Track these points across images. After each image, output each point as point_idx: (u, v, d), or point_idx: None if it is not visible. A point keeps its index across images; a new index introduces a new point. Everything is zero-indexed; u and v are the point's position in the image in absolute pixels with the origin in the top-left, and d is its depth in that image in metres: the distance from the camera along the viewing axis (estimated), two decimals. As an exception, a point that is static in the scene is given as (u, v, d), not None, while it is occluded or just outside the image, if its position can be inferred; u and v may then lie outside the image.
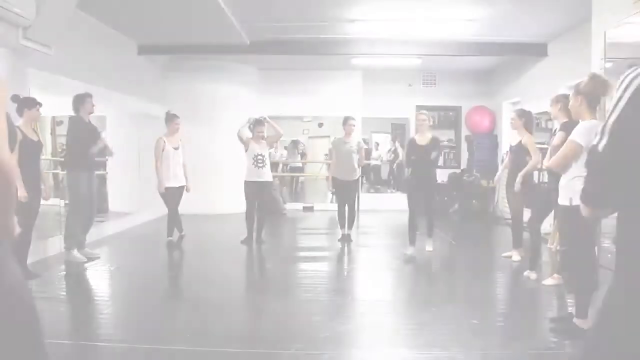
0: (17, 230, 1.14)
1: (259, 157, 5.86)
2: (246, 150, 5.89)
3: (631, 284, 1.13)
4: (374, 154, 12.24)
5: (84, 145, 4.82)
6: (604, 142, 1.15)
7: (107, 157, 6.00)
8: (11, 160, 1.06)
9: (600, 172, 1.18)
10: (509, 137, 7.71)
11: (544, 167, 4.22)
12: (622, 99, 1.12)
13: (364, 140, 11.35)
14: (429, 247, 5.49)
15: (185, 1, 5.40)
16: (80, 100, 4.85)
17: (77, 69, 5.68)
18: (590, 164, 1.20)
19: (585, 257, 2.94)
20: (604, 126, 1.16)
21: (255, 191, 5.93)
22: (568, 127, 3.62)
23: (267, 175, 5.94)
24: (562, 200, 2.97)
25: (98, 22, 6.20)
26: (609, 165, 1.15)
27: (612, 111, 1.14)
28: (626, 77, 1.14)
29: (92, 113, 4.93)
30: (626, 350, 1.12)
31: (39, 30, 4.73)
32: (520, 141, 4.83)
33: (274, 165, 10.00)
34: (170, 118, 5.66)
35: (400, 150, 11.25)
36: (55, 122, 7.80)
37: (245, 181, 5.93)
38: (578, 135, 2.86)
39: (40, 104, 4.29)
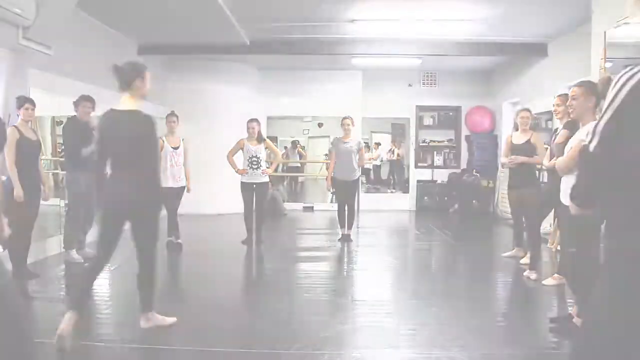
0: (8, 232, 1.12)
1: (254, 158, 5.84)
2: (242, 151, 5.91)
3: (616, 281, 1.15)
4: (373, 153, 12.24)
5: (77, 146, 4.81)
6: (595, 142, 1.14)
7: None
8: (4, 160, 1.05)
9: (590, 172, 1.18)
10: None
11: (544, 167, 4.21)
12: (616, 100, 1.10)
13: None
14: None
15: (185, 1, 5.40)
16: (77, 103, 4.86)
17: (77, 69, 5.68)
18: (581, 164, 1.20)
19: (593, 258, 2.94)
20: (596, 126, 1.15)
21: (251, 192, 5.92)
22: (571, 126, 3.63)
23: (262, 176, 5.92)
24: None
25: (98, 22, 6.20)
26: (599, 166, 1.15)
27: (605, 111, 1.13)
28: (621, 77, 1.12)
29: (86, 116, 4.88)
30: (615, 344, 1.13)
31: (39, 30, 4.73)
32: (529, 140, 4.72)
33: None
34: (166, 116, 5.62)
35: (397, 151, 11.28)
36: (55, 122, 7.80)
37: (241, 182, 5.93)
38: None
39: (30, 103, 4.25)
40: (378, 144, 12.55)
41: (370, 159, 11.55)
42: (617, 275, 1.16)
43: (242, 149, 5.91)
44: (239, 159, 6.01)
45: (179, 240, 5.61)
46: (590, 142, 1.16)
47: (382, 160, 12.40)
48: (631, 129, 1.07)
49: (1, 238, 1.13)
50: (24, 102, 4.23)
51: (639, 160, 1.07)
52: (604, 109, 1.15)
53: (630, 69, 1.12)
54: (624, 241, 1.13)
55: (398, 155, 11.23)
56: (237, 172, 5.90)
